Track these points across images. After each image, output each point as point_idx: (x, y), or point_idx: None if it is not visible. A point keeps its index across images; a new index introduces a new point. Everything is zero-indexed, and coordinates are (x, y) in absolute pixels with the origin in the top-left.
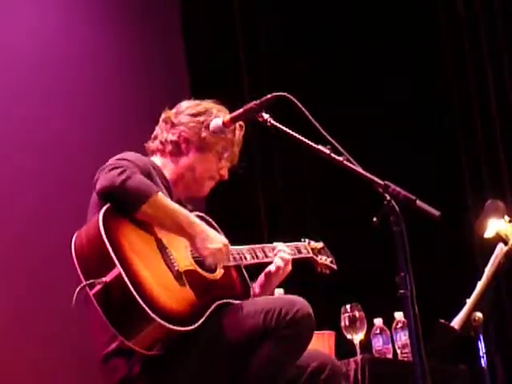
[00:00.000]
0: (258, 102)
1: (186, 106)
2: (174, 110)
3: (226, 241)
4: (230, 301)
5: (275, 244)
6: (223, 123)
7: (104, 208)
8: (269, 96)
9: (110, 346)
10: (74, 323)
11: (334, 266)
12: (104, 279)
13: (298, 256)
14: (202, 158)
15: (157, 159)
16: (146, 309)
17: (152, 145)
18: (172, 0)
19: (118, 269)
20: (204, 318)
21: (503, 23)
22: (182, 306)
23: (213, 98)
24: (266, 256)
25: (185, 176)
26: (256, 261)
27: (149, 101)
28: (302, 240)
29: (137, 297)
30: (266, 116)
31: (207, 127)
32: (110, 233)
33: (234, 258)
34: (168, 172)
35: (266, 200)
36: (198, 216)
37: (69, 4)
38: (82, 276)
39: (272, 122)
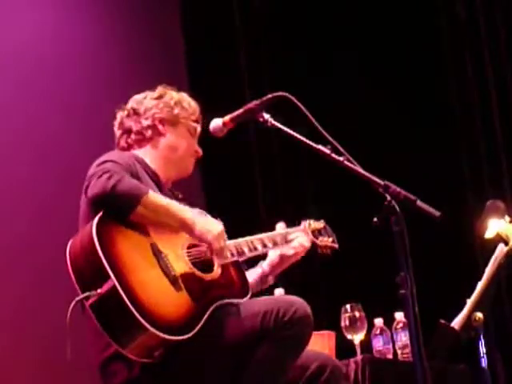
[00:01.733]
0: (258, 101)
1: (141, 96)
2: (131, 104)
3: (221, 225)
4: (229, 300)
5: (290, 230)
6: (223, 123)
7: (97, 217)
8: (269, 96)
9: (108, 350)
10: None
11: (335, 245)
12: (99, 291)
13: None
14: (180, 135)
15: (136, 152)
16: (142, 320)
17: (126, 140)
18: (172, 0)
19: (113, 280)
20: (202, 323)
21: (503, 23)
22: (179, 312)
23: (213, 98)
24: (265, 247)
25: (168, 157)
26: (255, 253)
27: None
28: (303, 221)
29: (131, 308)
30: (266, 116)
31: (176, 104)
32: (103, 242)
33: (232, 253)
34: (151, 160)
35: (265, 200)
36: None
37: (68, 3)
38: (77, 286)
39: (272, 122)
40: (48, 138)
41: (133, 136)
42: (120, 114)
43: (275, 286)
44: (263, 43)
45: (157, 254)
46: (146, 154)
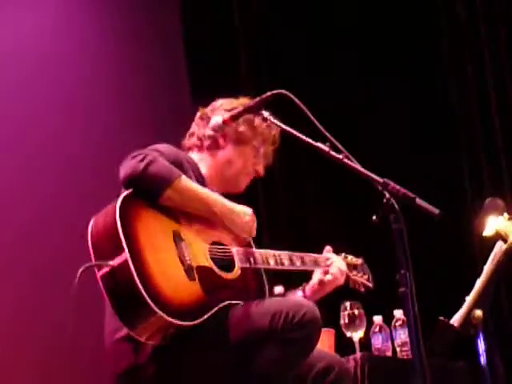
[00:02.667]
0: (257, 100)
1: (222, 102)
2: (209, 107)
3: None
4: (240, 303)
5: (329, 255)
6: (223, 121)
7: (124, 194)
8: (268, 94)
9: (120, 332)
10: (73, 323)
11: (370, 284)
12: (111, 263)
13: None
14: (239, 152)
15: (194, 155)
16: (147, 299)
17: (189, 141)
18: (172, 0)
19: (126, 254)
20: (208, 315)
21: (504, 23)
22: (187, 299)
23: (213, 97)
24: (293, 264)
25: (222, 170)
26: (280, 267)
27: (149, 101)
28: (339, 254)
29: (139, 285)
30: (265, 114)
31: (244, 122)
32: (125, 218)
33: (256, 261)
34: (204, 167)
35: (266, 200)
36: None
37: (69, 3)
38: (93, 258)
39: (272, 119)
40: (48, 138)
41: (194, 139)
42: (198, 113)
43: (274, 284)
44: (263, 43)
45: (177, 240)
46: (201, 159)
